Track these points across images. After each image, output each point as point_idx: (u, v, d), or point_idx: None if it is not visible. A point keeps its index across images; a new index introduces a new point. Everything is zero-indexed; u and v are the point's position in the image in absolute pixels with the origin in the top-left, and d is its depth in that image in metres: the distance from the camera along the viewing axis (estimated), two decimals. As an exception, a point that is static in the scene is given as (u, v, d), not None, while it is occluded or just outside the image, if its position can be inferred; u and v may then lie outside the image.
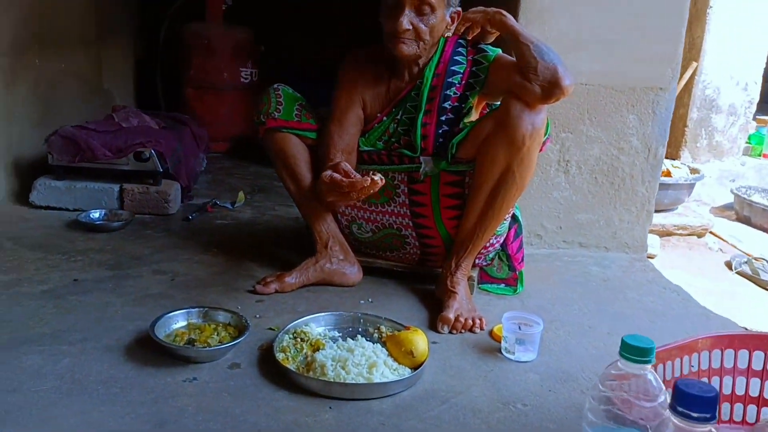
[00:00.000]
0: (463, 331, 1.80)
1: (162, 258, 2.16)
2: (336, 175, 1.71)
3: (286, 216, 2.72)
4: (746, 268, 3.10)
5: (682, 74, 4.27)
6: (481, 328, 1.82)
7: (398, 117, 1.95)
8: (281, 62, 4.32)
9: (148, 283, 1.96)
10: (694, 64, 4.25)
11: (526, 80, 1.73)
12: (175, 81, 3.87)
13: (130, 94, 4.03)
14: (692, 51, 4.31)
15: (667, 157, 4.52)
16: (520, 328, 1.70)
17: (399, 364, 1.55)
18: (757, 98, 4.43)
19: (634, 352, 0.91)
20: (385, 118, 1.97)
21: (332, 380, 1.45)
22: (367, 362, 1.50)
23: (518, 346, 1.69)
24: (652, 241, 3.24)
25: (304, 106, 2.04)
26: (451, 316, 1.80)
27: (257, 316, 1.80)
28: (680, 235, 3.41)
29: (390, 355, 1.57)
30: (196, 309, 1.70)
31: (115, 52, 3.79)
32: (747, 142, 4.54)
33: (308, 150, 2.04)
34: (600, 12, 2.30)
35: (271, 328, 1.73)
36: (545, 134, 1.82)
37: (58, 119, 2.96)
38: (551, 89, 1.71)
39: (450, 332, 1.80)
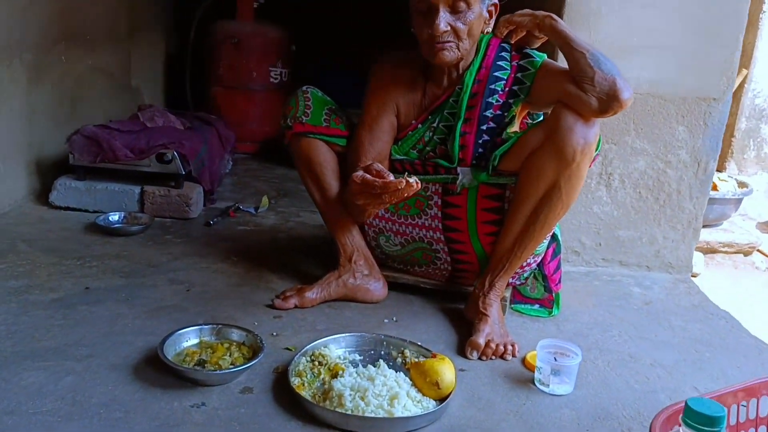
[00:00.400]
0: (493, 357, 1.67)
1: (179, 266, 2.07)
2: (368, 175, 1.57)
3: (310, 223, 2.61)
4: (798, 292, 2.90)
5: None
6: (514, 355, 1.69)
7: (434, 125, 1.82)
8: (315, 62, 4.22)
9: (163, 294, 1.86)
10: (744, 71, 4.04)
11: (582, 91, 1.59)
12: (205, 79, 3.79)
13: (159, 92, 3.97)
14: (743, 58, 4.06)
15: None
16: (555, 358, 1.56)
17: (423, 395, 1.42)
18: (810, 109, 4.19)
19: (700, 420, 0.77)
20: (420, 125, 1.84)
21: (350, 412, 1.33)
22: (388, 393, 1.38)
23: (553, 377, 1.55)
24: (696, 259, 3.06)
25: (334, 111, 1.92)
26: (482, 341, 1.67)
27: (274, 333, 1.69)
28: (726, 252, 3.22)
29: (413, 384, 1.45)
30: (209, 326, 1.59)
31: (146, 48, 3.73)
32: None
33: (336, 157, 1.92)
34: (652, 16, 2.14)
35: (288, 348, 1.62)
36: (596, 149, 1.68)
37: (84, 117, 2.90)
38: (609, 102, 1.57)
39: (479, 358, 1.66)
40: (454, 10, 1.66)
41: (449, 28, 1.66)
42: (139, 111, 2.95)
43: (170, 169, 2.49)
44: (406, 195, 1.51)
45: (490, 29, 1.77)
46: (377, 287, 1.93)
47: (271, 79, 3.74)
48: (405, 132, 1.86)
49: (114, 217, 2.38)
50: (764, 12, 3.93)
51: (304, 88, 1.95)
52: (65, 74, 2.78)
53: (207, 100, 3.76)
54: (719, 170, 4.28)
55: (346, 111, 2.00)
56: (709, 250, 3.18)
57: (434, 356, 1.51)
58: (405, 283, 2.00)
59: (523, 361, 1.68)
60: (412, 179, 1.50)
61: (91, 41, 3.03)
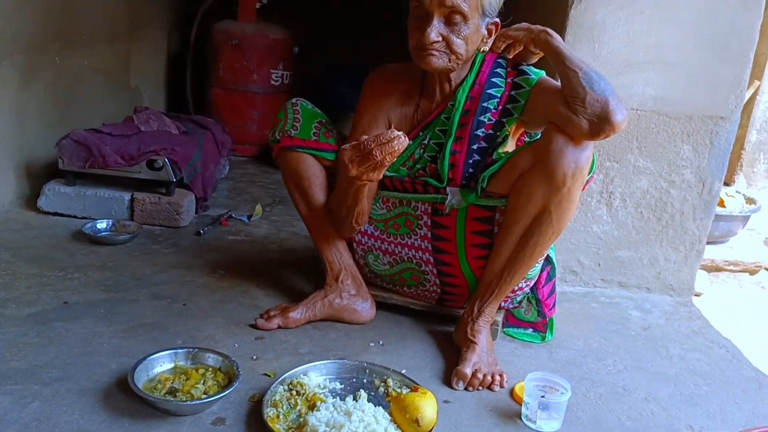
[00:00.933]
0: (480, 388, 1.60)
1: (164, 279, 2.01)
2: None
3: (303, 234, 2.52)
4: (803, 315, 2.81)
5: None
6: (501, 386, 1.62)
7: (425, 142, 1.75)
8: (319, 63, 4.14)
9: (143, 310, 1.81)
10: (756, 83, 3.93)
11: (572, 112, 1.51)
12: (206, 80, 3.73)
13: (159, 92, 3.91)
14: (755, 69, 3.96)
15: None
16: (543, 394, 1.49)
17: (402, 432, 1.36)
18: (824, 122, 4.08)
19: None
20: (411, 142, 1.77)
21: (324, 450, 1.27)
22: (365, 430, 1.32)
23: (541, 412, 1.48)
24: (700, 277, 2.97)
25: (324, 124, 1.85)
26: (468, 371, 1.60)
27: (254, 357, 1.63)
28: (731, 271, 3.12)
29: (393, 420, 1.38)
30: (184, 350, 1.53)
31: (146, 47, 3.67)
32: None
33: (325, 172, 1.86)
34: (659, 31, 2.05)
35: (266, 374, 1.56)
36: (589, 173, 1.60)
37: (79, 118, 2.85)
38: (600, 125, 1.48)
39: (466, 389, 1.60)
40: (449, 22, 1.58)
41: (441, 38, 1.59)
42: (135, 113, 2.89)
43: (161, 176, 2.44)
44: (397, 148, 1.47)
45: (487, 48, 1.68)
46: (365, 308, 1.87)
47: (272, 82, 3.67)
48: (396, 148, 1.79)
49: (102, 224, 2.32)
50: (778, 22, 3.82)
51: (293, 100, 1.88)
52: (59, 75, 2.72)
53: (207, 102, 3.71)
54: (727, 184, 4.18)
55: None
56: (713, 268, 3.09)
57: (416, 390, 1.44)
58: (394, 303, 1.93)
59: (512, 392, 1.61)
60: (400, 133, 1.48)
61: (89, 40, 2.97)
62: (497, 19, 1.65)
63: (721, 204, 3.24)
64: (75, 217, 2.42)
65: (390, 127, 1.80)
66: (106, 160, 2.38)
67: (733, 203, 3.26)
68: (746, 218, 3.23)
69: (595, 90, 1.49)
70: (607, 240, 2.26)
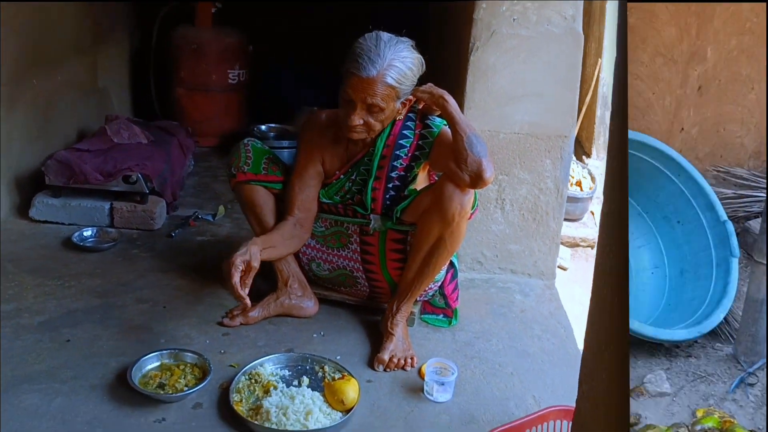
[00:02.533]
0: (395, 369, 2.04)
1: (145, 284, 2.35)
2: (233, 269, 1.92)
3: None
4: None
5: (593, 73, 4.14)
6: (412, 366, 2.06)
7: (353, 177, 2.13)
8: (274, 59, 4.34)
9: (131, 314, 2.17)
10: (600, 60, 4.06)
11: (458, 168, 1.91)
12: (168, 80, 3.95)
13: (126, 91, 4.08)
14: (597, 47, 4.04)
15: (585, 154, 4.46)
16: (438, 372, 1.93)
17: (333, 409, 1.79)
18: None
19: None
20: (342, 176, 2.14)
21: (274, 426, 1.69)
22: (304, 409, 1.75)
23: (438, 386, 1.92)
24: (564, 254, 3.36)
25: (271, 160, 2.20)
26: (386, 357, 2.04)
27: (221, 351, 2.02)
28: (583, 246, 3.53)
29: (326, 401, 1.81)
30: (168, 351, 1.92)
31: (111, 49, 3.83)
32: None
33: (274, 198, 2.22)
34: (529, 70, 2.43)
35: (232, 365, 1.96)
36: (472, 209, 2.01)
37: (57, 128, 3.10)
38: (476, 179, 1.90)
39: (384, 370, 2.03)
40: (369, 110, 1.94)
41: (362, 122, 1.96)
42: (107, 123, 3.15)
43: (135, 188, 2.74)
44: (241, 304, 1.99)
45: (401, 117, 2.05)
46: (309, 305, 2.27)
47: (230, 81, 3.91)
48: (331, 180, 2.17)
49: (87, 232, 2.64)
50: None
51: (245, 140, 2.22)
52: (37, 94, 2.94)
53: (171, 101, 3.94)
54: (588, 154, 4.43)
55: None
56: (573, 245, 3.49)
57: (344, 377, 1.87)
58: (334, 299, 2.33)
59: (419, 371, 2.04)
60: (249, 312, 2.11)
61: (60, 56, 3.17)
62: (410, 97, 2.01)
63: (580, 186, 3.62)
64: (62, 224, 2.72)
65: (324, 163, 2.16)
66: (87, 178, 2.68)
67: (586, 184, 3.64)
68: (593, 198, 3.64)
69: (473, 152, 1.89)
70: (501, 236, 2.69)
